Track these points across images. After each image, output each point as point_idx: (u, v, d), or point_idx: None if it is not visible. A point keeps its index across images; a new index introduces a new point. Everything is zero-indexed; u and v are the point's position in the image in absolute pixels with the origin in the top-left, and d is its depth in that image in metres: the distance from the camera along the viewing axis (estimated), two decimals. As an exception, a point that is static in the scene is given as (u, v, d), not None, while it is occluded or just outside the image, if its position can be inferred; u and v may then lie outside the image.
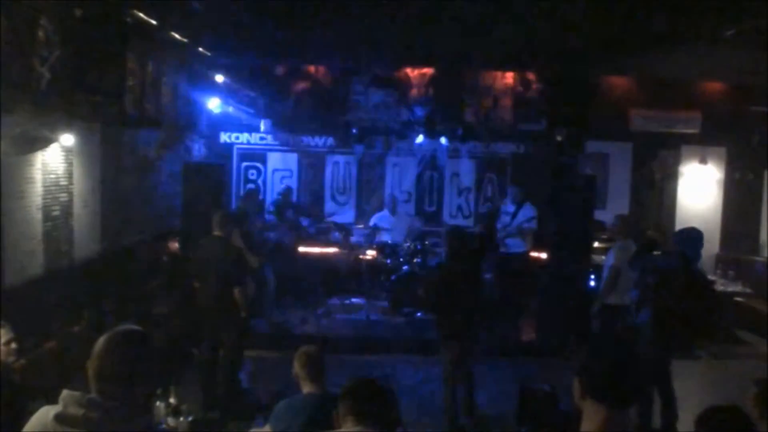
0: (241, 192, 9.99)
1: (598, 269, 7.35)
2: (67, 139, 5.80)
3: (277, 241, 8.41)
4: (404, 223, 9.21)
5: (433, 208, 10.20)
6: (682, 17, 5.97)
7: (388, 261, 8.70)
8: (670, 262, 5.57)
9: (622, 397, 1.93)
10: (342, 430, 2.69)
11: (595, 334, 6.56)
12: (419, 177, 10.19)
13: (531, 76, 9.77)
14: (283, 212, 8.62)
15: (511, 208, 8.59)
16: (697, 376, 6.91)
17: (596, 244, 8.32)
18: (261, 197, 9.22)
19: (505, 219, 8.53)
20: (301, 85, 9.77)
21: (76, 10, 5.60)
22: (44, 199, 5.59)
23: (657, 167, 10.16)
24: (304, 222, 9.14)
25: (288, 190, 9.30)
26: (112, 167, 6.95)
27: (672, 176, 10.13)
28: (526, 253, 8.63)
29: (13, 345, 3.90)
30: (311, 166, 10.15)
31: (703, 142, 9.95)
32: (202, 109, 9.10)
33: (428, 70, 9.87)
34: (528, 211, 8.50)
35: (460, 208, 10.22)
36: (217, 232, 5.87)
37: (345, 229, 9.27)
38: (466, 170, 10.15)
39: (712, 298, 7.58)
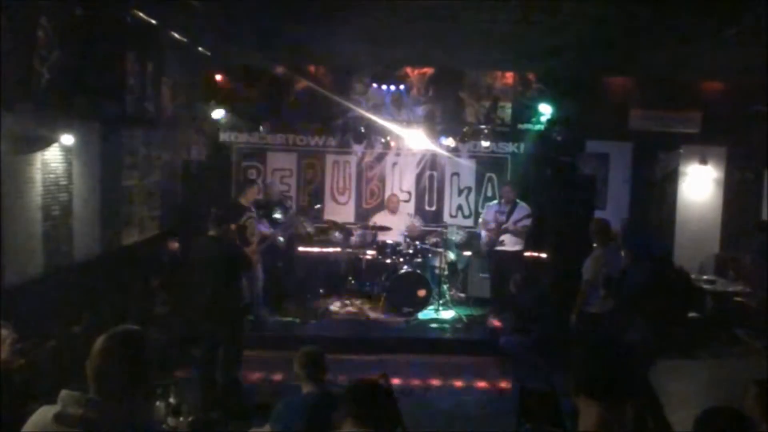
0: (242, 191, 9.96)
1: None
2: (67, 139, 5.80)
3: (270, 241, 8.32)
4: (404, 222, 9.21)
5: (433, 208, 10.21)
6: (682, 17, 5.97)
7: (388, 261, 8.70)
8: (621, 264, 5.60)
9: (614, 395, 1.95)
10: (342, 431, 2.69)
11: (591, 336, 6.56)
12: (419, 177, 10.20)
13: (531, 76, 9.77)
14: (272, 211, 8.54)
15: (505, 208, 8.62)
16: (697, 376, 6.91)
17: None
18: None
19: (500, 218, 8.55)
20: (301, 85, 9.77)
21: (76, 10, 5.61)
22: (44, 199, 5.59)
23: (657, 167, 10.16)
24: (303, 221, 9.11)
25: (270, 187, 9.09)
26: (112, 167, 6.95)
27: (672, 176, 10.12)
28: (522, 251, 8.65)
29: (18, 345, 3.91)
30: (311, 166, 10.16)
31: (703, 142, 9.94)
32: (202, 109, 9.10)
33: (428, 70, 9.87)
34: (522, 209, 8.55)
35: (460, 207, 10.22)
36: (212, 232, 5.87)
37: (344, 228, 9.26)
38: (466, 170, 10.15)
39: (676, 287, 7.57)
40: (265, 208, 8.49)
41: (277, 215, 8.44)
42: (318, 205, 9.38)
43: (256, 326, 7.74)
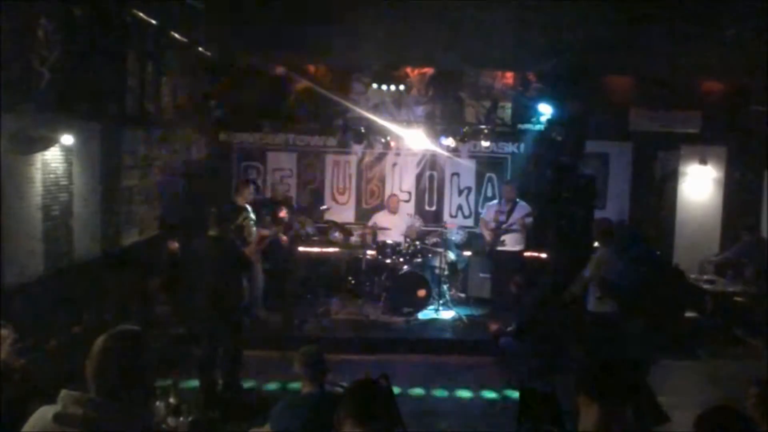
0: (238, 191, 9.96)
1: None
2: (67, 139, 5.80)
3: (270, 240, 8.32)
4: (404, 222, 9.21)
5: (433, 208, 10.21)
6: (682, 17, 5.98)
7: (388, 261, 8.70)
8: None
9: (614, 395, 1.95)
10: (342, 431, 2.69)
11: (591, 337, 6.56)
12: (419, 177, 10.20)
13: (531, 76, 9.76)
14: (276, 211, 8.54)
15: (505, 207, 8.62)
16: (697, 376, 6.91)
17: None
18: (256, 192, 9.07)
19: (501, 218, 8.55)
20: (301, 85, 9.77)
21: (76, 10, 5.61)
22: (44, 199, 5.59)
23: (657, 167, 10.16)
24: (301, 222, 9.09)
25: (276, 188, 9.17)
26: (112, 167, 6.94)
27: (672, 176, 10.12)
28: (522, 251, 8.65)
29: (18, 345, 3.91)
30: (311, 166, 10.16)
31: (703, 142, 9.94)
32: (203, 109, 9.09)
33: (428, 70, 9.87)
34: (522, 208, 8.55)
35: (460, 207, 10.22)
36: (212, 232, 5.87)
37: (344, 228, 9.25)
38: (466, 170, 10.15)
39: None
40: (267, 207, 8.49)
41: (281, 215, 8.45)
42: (324, 207, 9.39)
43: (256, 326, 7.74)
